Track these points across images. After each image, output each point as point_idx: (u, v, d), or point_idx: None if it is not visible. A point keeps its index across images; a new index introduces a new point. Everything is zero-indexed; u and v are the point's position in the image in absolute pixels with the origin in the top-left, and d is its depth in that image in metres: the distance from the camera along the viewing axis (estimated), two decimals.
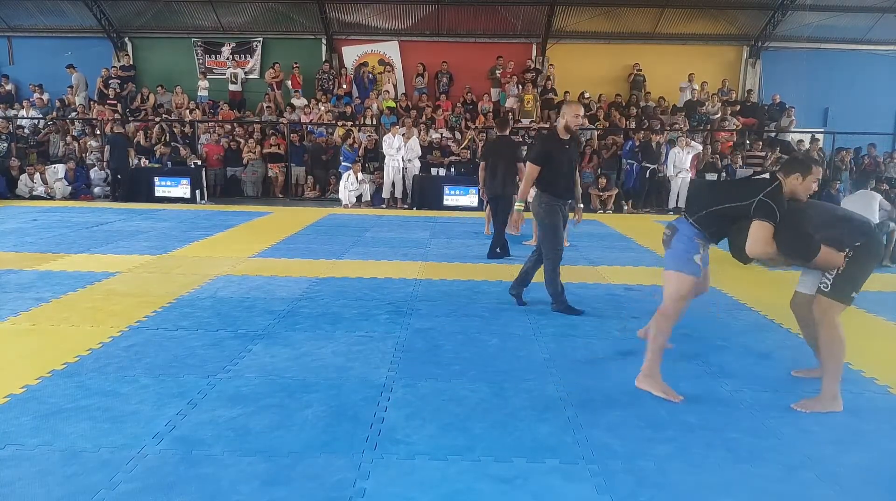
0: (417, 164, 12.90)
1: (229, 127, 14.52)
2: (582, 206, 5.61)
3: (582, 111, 5.24)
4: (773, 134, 15.27)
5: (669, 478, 2.79)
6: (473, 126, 14.35)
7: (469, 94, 15.44)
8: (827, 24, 15.76)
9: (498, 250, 7.51)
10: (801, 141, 14.66)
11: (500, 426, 3.21)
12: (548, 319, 5.11)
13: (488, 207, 8.01)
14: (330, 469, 2.79)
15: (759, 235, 3.40)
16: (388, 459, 2.88)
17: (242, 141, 13.98)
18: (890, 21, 15.60)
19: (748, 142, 14.87)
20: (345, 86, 15.76)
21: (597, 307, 5.42)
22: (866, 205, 7.45)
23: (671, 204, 12.87)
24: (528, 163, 5.15)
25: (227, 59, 16.54)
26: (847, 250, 3.40)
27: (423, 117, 14.57)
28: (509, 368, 4.02)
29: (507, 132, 7.82)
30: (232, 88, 16.24)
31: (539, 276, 5.37)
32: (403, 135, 12.70)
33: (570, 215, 5.51)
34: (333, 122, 14.54)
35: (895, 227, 7.70)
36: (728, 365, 4.16)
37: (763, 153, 14.15)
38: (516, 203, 5.21)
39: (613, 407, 3.48)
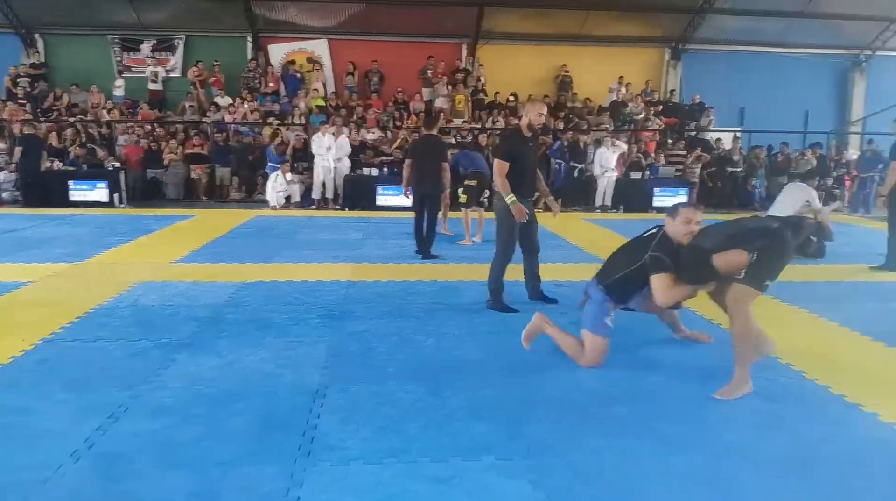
0: (347, 163, 12.75)
1: (149, 127, 13.99)
2: (553, 197, 5.69)
3: (545, 110, 5.37)
4: (693, 133, 15.84)
5: (603, 470, 2.84)
6: (405, 125, 14.31)
7: (400, 93, 15.39)
8: (743, 28, 16.50)
9: (430, 249, 7.50)
10: (719, 139, 15.28)
11: (437, 427, 3.20)
12: (483, 317, 5.13)
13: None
14: (261, 478, 2.70)
15: (657, 286, 3.76)
16: (322, 466, 2.82)
17: (164, 142, 13.50)
18: (801, 25, 16.47)
19: (670, 141, 15.38)
20: (271, 84, 15.45)
21: (530, 304, 5.47)
22: (792, 195, 7.93)
23: (598, 202, 13.16)
24: (496, 160, 5.25)
25: (147, 57, 15.95)
26: (750, 255, 3.55)
27: (354, 116, 14.44)
28: (445, 368, 4.01)
29: (435, 131, 7.82)
30: (152, 87, 15.66)
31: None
32: (333, 134, 12.54)
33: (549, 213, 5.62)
34: (260, 121, 14.22)
35: (812, 222, 8.13)
36: (654, 357, 4.27)
37: (684, 152, 14.67)
38: (506, 197, 5.16)
39: (549, 404, 3.52)
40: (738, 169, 14.27)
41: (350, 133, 13.35)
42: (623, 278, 3.96)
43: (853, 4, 16.08)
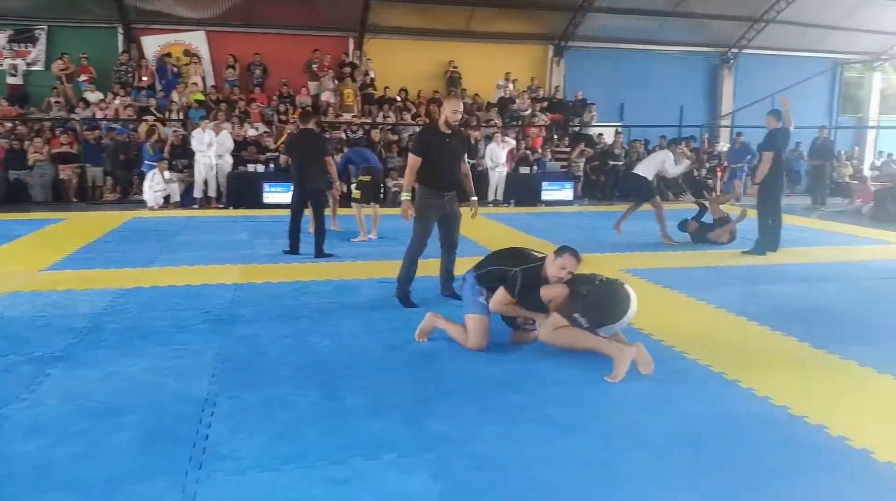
0: (229, 159, 12.28)
1: (10, 125, 12.88)
2: (476, 198, 5.72)
3: (461, 107, 5.45)
4: (577, 129, 16.43)
5: (501, 458, 2.89)
6: (292, 119, 13.93)
7: (285, 87, 14.99)
8: (621, 26, 17.24)
9: (322, 248, 7.35)
10: (601, 134, 15.93)
11: (335, 428, 3.13)
12: (381, 314, 5.10)
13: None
14: (150, 494, 2.55)
15: (497, 296, 4.16)
16: (215, 477, 2.69)
17: (27, 141, 12.46)
18: (673, 24, 17.45)
19: (555, 137, 15.87)
20: (146, 78, 14.61)
21: (425, 299, 5.50)
22: (652, 159, 9.23)
23: (490, 197, 13.38)
24: (409, 154, 5.38)
25: (4, 48, 14.63)
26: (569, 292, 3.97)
27: (237, 111, 13.93)
28: (342, 368, 3.94)
29: (311, 125, 7.66)
30: (11, 81, 14.36)
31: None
32: (214, 129, 12.04)
33: (468, 209, 5.68)
34: (134, 117, 13.43)
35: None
36: (544, 346, 4.35)
37: (569, 148, 15.20)
38: (403, 194, 5.35)
39: (448, 396, 3.55)
40: (620, 162, 14.94)
41: (233, 128, 12.89)
42: (490, 273, 4.25)
43: (720, 5, 17.21)
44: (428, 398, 3.51)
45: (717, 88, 19.27)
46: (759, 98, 16.94)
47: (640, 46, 17.93)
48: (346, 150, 10.15)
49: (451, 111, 5.28)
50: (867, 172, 16.64)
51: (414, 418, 3.26)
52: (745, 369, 4.01)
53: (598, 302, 3.96)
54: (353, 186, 8.52)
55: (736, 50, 18.79)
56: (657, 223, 8.87)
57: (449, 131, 5.33)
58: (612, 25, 17.24)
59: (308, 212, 7.43)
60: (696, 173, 15.49)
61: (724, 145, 17.16)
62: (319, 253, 7.30)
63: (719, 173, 15.98)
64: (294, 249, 7.39)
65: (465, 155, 5.64)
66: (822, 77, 19.37)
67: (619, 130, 15.85)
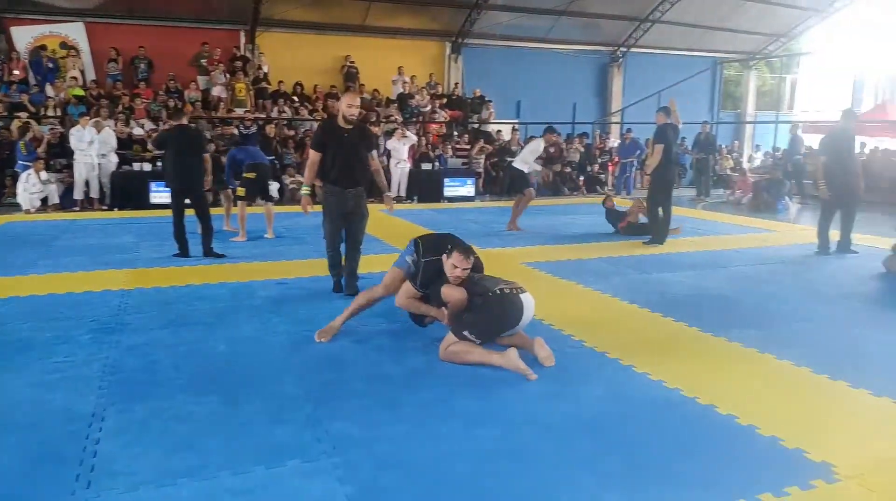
0: (114, 158, 11.61)
1: None
2: (391, 194, 5.76)
3: (357, 102, 5.41)
4: (476, 126, 16.63)
5: (409, 455, 2.87)
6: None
7: (173, 82, 14.31)
8: (515, 24, 17.60)
9: (211, 247, 7.06)
10: (499, 131, 16.21)
11: (235, 437, 3.01)
12: (279, 316, 4.95)
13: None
14: None
15: (402, 290, 4.37)
16: (107, 495, 2.52)
17: None
18: (566, 22, 18.00)
19: (455, 134, 16.01)
20: (17, 72, 13.54)
21: (331, 297, 5.41)
22: (526, 150, 9.65)
23: (393, 193, 13.32)
24: (309, 149, 5.44)
25: None
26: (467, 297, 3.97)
27: (120, 107, 13.17)
28: (241, 374, 3.80)
29: (185, 121, 7.34)
30: None
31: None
32: (95, 126, 11.33)
33: (385, 205, 5.82)
34: (5, 114, 12.42)
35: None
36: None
37: (469, 145, 15.36)
38: (302, 187, 5.49)
39: (353, 396, 3.49)
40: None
41: (116, 125, 12.18)
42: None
43: (609, 5, 17.90)
44: (331, 400, 3.44)
45: (608, 86, 20.06)
46: (646, 95, 17.76)
47: (535, 45, 18.38)
48: (231, 148, 9.78)
49: (346, 105, 5.24)
50: (746, 165, 17.82)
51: (317, 421, 3.18)
52: (640, 354, 4.17)
53: (485, 320, 3.98)
54: (237, 184, 8.21)
55: (624, 49, 19.62)
56: (515, 208, 9.49)
57: (349, 126, 5.25)
58: (508, 23, 17.57)
59: (191, 212, 7.10)
60: (588, 168, 16.06)
61: (614, 141, 17.87)
62: (208, 253, 7.02)
63: (610, 168, 16.64)
64: (183, 252, 7.05)
65: (374, 151, 5.60)
66: (704, 75, 20.57)
67: (516, 127, 16.19)
